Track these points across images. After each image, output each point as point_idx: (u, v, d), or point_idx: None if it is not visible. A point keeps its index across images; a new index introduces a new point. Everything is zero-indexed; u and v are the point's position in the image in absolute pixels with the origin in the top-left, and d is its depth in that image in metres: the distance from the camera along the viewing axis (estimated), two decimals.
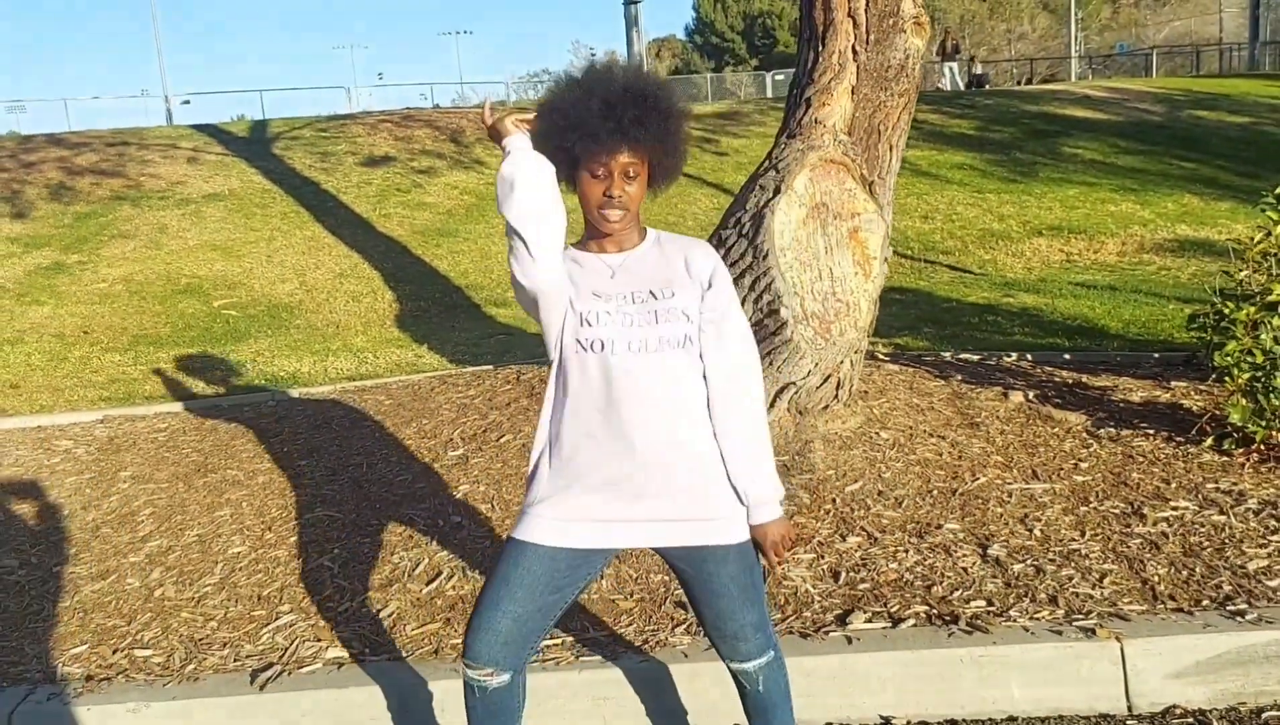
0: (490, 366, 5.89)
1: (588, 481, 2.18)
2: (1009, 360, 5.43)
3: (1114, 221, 11.57)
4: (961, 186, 13.41)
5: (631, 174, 2.15)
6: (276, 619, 3.41)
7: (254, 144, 15.11)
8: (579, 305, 2.17)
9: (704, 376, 2.21)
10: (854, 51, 4.27)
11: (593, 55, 68.36)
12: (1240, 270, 3.99)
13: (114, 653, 3.31)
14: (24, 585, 3.80)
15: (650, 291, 2.18)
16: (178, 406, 5.82)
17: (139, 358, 7.74)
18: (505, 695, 2.28)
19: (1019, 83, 37.31)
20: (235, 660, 3.20)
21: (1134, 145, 15.62)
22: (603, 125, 2.10)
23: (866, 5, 4.24)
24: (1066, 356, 5.54)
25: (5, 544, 4.17)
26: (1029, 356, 5.51)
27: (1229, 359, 3.74)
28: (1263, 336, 3.67)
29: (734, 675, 2.37)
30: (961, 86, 31.85)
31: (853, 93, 4.29)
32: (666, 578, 3.39)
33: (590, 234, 2.28)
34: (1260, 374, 3.67)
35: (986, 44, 54.29)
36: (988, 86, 31.54)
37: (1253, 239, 3.94)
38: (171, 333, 8.60)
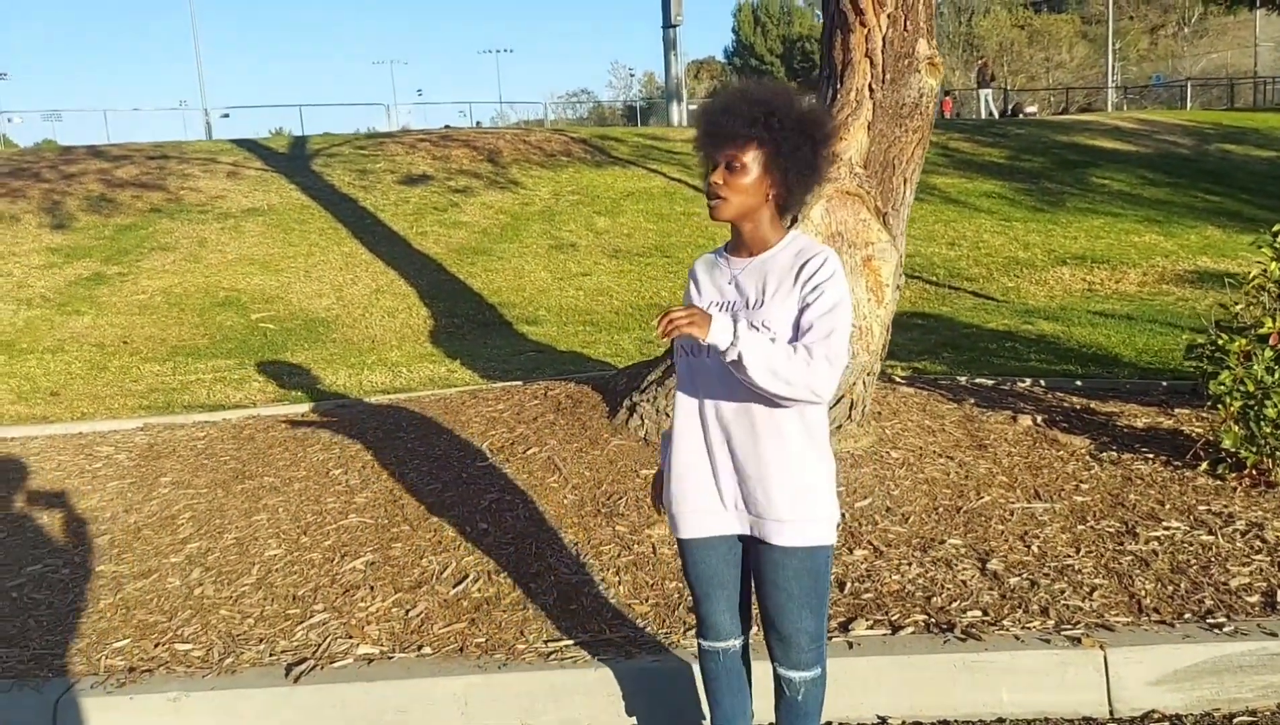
0: (519, 382, 6.10)
1: (693, 475, 2.41)
2: (1022, 385, 5.59)
3: (1137, 252, 11.70)
4: (989, 215, 13.56)
5: (733, 165, 2.26)
6: (310, 617, 3.60)
7: (293, 160, 15.41)
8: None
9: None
10: (870, 89, 4.48)
11: (631, 75, 68.98)
12: (1236, 303, 4.17)
13: (155, 647, 3.49)
14: (68, 583, 3.98)
15: (747, 301, 2.31)
16: (216, 416, 6.01)
17: (177, 368, 7.97)
18: (739, 657, 2.60)
19: (1056, 112, 37.38)
20: (271, 655, 3.39)
21: (1161, 177, 15.73)
22: (700, 124, 2.31)
23: (883, 46, 4.46)
24: (1078, 383, 5.71)
25: (50, 544, 4.37)
26: (1042, 382, 5.68)
27: (1223, 387, 3.92)
28: (1254, 367, 3.85)
29: (776, 678, 2.50)
30: (995, 114, 32.01)
31: (869, 128, 4.50)
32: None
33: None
34: (1252, 402, 3.86)
35: (1025, 71, 54.33)
36: (1022, 116, 31.65)
37: (1249, 274, 4.12)
38: (210, 344, 8.87)
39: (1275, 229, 4.23)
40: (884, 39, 4.48)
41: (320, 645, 3.43)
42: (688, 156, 16.43)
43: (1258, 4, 31.31)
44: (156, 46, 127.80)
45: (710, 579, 2.48)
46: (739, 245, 2.40)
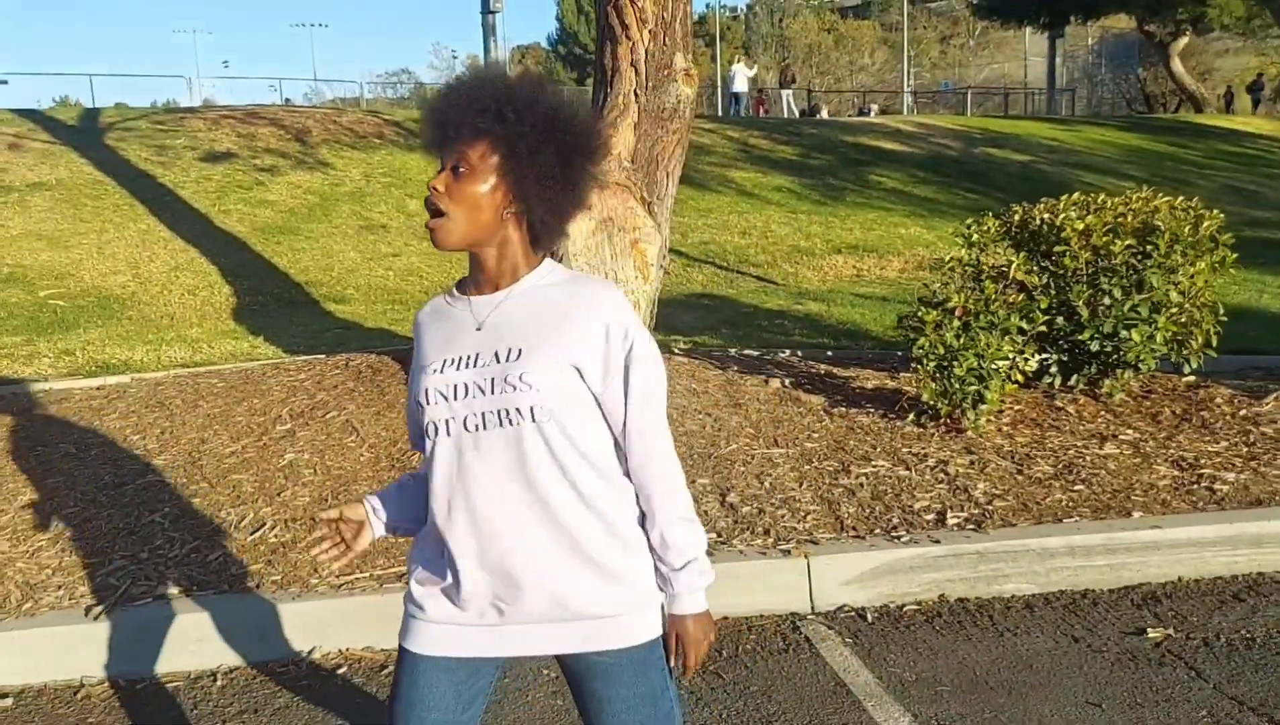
0: (323, 356, 6.32)
1: (452, 579, 1.81)
2: (783, 356, 6.29)
3: (902, 242, 12.85)
4: (779, 207, 14.51)
5: (460, 169, 1.76)
6: (109, 564, 3.82)
7: (83, 133, 14.80)
8: (418, 380, 1.83)
9: (598, 442, 1.80)
10: (636, 95, 5.04)
11: (454, 58, 67.87)
12: (934, 283, 4.96)
13: None
14: None
15: (495, 353, 1.76)
16: (4, 389, 5.97)
17: None
18: None
19: (858, 113, 39.59)
20: (70, 600, 3.60)
21: (930, 176, 17.18)
22: (424, 115, 1.82)
23: (646, 58, 5.02)
24: (829, 353, 6.46)
25: None
26: (799, 352, 6.40)
27: (921, 351, 4.67)
28: (945, 334, 4.60)
29: None
30: (796, 114, 33.75)
31: (635, 129, 5.05)
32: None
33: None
34: (944, 363, 4.61)
35: (831, 73, 56.77)
36: (819, 116, 33.50)
37: (945, 259, 4.93)
38: None
39: (968, 222, 5.04)
40: (646, 51, 5.04)
41: (119, 588, 3.67)
42: None
43: (1024, 21, 34.37)
44: None
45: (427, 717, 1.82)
46: (481, 279, 1.85)
